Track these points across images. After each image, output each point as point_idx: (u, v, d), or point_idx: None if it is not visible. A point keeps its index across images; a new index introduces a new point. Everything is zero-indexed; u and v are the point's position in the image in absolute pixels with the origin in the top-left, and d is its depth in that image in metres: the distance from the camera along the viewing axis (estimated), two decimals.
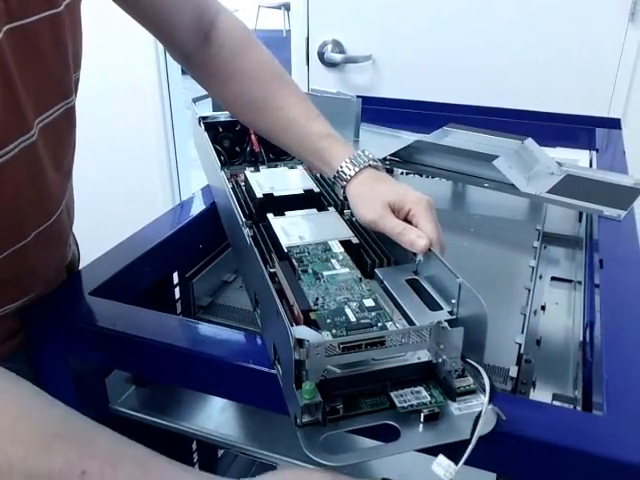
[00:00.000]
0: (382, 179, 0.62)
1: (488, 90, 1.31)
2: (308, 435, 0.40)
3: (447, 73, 1.40)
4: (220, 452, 0.91)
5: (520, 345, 0.61)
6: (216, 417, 0.65)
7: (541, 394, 0.61)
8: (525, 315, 0.67)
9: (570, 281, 0.81)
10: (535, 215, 0.94)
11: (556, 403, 0.58)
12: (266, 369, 0.47)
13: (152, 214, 0.77)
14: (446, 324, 0.41)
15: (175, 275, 0.73)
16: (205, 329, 0.56)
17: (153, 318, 0.57)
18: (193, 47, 0.68)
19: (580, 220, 0.93)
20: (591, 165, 1.02)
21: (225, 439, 0.61)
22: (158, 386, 0.67)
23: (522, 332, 0.64)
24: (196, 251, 0.75)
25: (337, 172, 0.62)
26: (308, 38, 1.54)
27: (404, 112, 1.20)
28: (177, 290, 0.73)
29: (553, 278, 0.83)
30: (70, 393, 0.59)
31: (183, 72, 1.96)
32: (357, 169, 0.61)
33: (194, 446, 0.85)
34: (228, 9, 0.72)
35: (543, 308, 0.76)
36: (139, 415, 0.64)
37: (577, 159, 1.02)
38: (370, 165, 0.63)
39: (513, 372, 0.59)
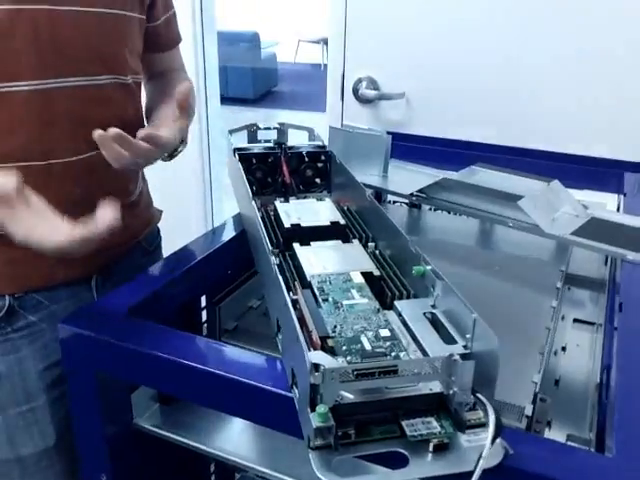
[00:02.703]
0: None
1: (518, 131, 1.32)
2: (320, 458, 0.41)
3: (478, 113, 1.42)
4: (237, 476, 0.93)
5: (536, 384, 0.62)
6: (235, 439, 0.67)
7: (556, 434, 0.61)
8: (543, 354, 0.68)
9: (593, 324, 0.81)
10: (560, 256, 0.94)
11: (570, 444, 0.58)
12: (284, 392, 0.49)
13: (185, 239, 0.81)
14: (458, 357, 0.42)
15: (203, 298, 0.76)
16: (228, 351, 0.59)
17: (180, 339, 0.59)
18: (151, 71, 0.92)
19: (606, 264, 0.93)
20: (619, 209, 1.03)
21: (241, 461, 0.63)
22: (181, 405, 0.69)
23: (539, 371, 0.64)
24: (224, 276, 0.78)
25: None
26: (343, 74, 1.58)
27: (434, 150, 1.22)
28: (204, 313, 0.76)
29: (575, 320, 0.83)
30: (96, 406, 0.62)
31: (224, 101, 2.03)
32: None
33: (212, 468, 0.87)
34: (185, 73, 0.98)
35: (564, 349, 0.76)
36: (161, 432, 0.66)
37: (605, 202, 1.03)
38: None
39: (528, 410, 0.60)
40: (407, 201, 1.14)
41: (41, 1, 0.65)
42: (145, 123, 0.85)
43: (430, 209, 1.14)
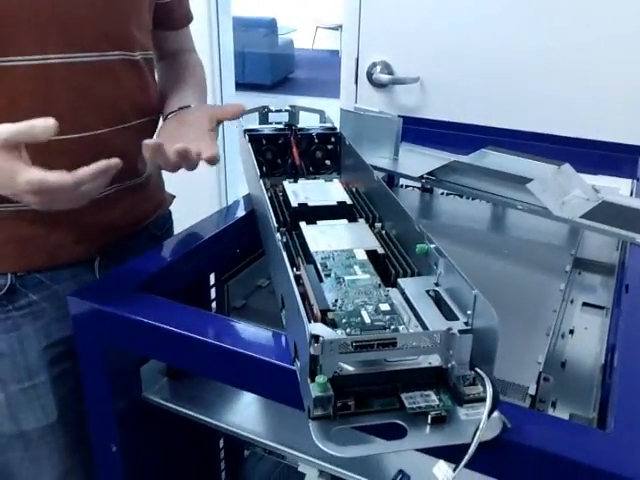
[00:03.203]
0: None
1: (532, 115, 1.31)
2: (319, 427, 0.42)
3: (491, 96, 1.41)
4: (246, 452, 0.94)
5: (540, 364, 0.62)
6: (243, 413, 0.68)
7: (559, 413, 0.61)
8: (549, 336, 0.68)
9: (602, 308, 0.81)
10: (571, 241, 0.94)
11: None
12: (287, 365, 0.50)
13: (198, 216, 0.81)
14: (456, 330, 0.43)
15: (212, 276, 0.77)
16: (236, 326, 0.60)
17: (186, 312, 0.60)
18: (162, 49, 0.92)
19: (618, 248, 0.93)
20: (632, 194, 1.02)
21: (250, 435, 0.64)
22: (190, 380, 0.70)
23: (545, 352, 0.65)
24: (233, 255, 0.79)
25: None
26: (358, 59, 1.58)
27: (446, 133, 1.22)
28: (213, 291, 0.77)
29: (585, 304, 0.83)
30: (106, 379, 0.63)
31: (241, 87, 2.03)
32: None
33: (221, 443, 0.88)
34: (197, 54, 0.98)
35: (572, 332, 0.76)
36: (169, 405, 0.67)
37: (618, 187, 1.02)
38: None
39: (532, 390, 0.60)
40: (419, 185, 1.14)
41: None
42: (155, 104, 0.85)
43: (442, 193, 1.14)
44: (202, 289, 0.76)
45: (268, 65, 6.07)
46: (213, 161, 0.68)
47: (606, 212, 0.80)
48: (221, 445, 0.88)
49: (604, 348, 0.71)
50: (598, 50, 1.29)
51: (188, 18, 0.93)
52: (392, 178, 1.16)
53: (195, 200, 1.93)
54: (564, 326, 0.76)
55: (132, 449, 0.67)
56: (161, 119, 0.84)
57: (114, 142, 0.73)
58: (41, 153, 0.65)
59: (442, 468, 0.39)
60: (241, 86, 2.05)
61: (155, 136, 0.79)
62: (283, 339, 0.55)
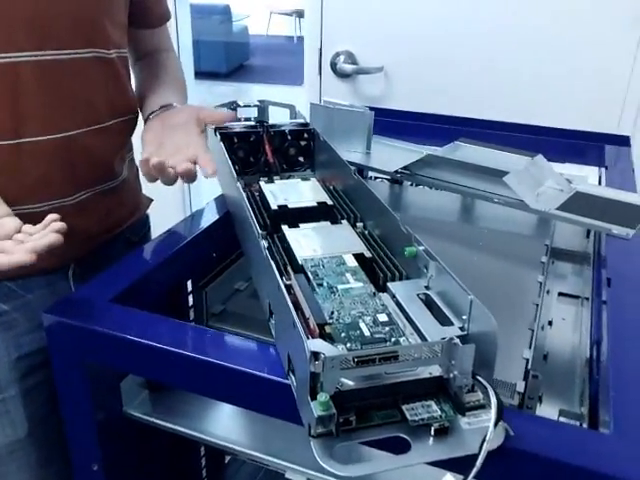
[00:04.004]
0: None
1: (498, 104, 1.32)
2: (322, 445, 0.41)
3: (457, 86, 1.42)
4: (227, 458, 0.93)
5: (527, 360, 0.62)
6: (225, 423, 0.66)
7: (547, 409, 0.62)
8: (533, 330, 0.68)
9: (577, 297, 0.82)
10: (544, 230, 0.95)
11: (562, 419, 0.59)
12: (280, 379, 0.48)
13: (164, 219, 0.79)
14: (458, 341, 0.42)
15: (189, 283, 0.74)
16: (219, 337, 0.58)
17: (168, 325, 0.58)
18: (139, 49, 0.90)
19: (588, 236, 0.94)
20: (600, 182, 1.03)
21: (232, 446, 0.63)
22: (171, 391, 0.68)
23: (529, 347, 0.65)
24: (209, 259, 0.77)
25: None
26: (321, 49, 1.56)
27: (413, 124, 1.21)
28: (190, 297, 0.75)
29: (560, 294, 0.84)
30: (86, 395, 0.61)
31: (196, 76, 1.98)
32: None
33: (202, 451, 0.86)
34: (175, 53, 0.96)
35: (550, 323, 0.77)
36: (150, 419, 0.65)
37: (586, 175, 1.03)
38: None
39: (520, 387, 0.60)
40: (388, 177, 1.13)
41: None
42: (132, 104, 0.81)
43: (411, 184, 1.13)
44: (179, 296, 0.73)
45: (223, 53, 5.97)
46: (210, 174, 0.67)
47: (580, 203, 0.81)
48: (202, 452, 0.86)
49: (584, 339, 0.72)
50: (563, 39, 1.30)
51: (166, 16, 0.90)
52: (362, 170, 1.14)
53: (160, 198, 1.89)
54: (543, 318, 0.77)
55: (114, 466, 0.65)
56: (141, 120, 0.81)
57: (89, 143, 0.70)
58: (12, 156, 0.62)
59: None
60: (197, 74, 2.01)
61: (141, 139, 0.76)
62: (272, 350, 0.53)
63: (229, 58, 6.10)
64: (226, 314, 0.75)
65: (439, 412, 0.43)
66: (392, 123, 1.22)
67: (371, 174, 1.16)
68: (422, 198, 1.11)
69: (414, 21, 1.43)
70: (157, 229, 0.85)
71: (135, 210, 0.87)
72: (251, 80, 6.04)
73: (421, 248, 0.54)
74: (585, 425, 0.55)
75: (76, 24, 0.69)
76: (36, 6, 0.64)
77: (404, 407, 0.43)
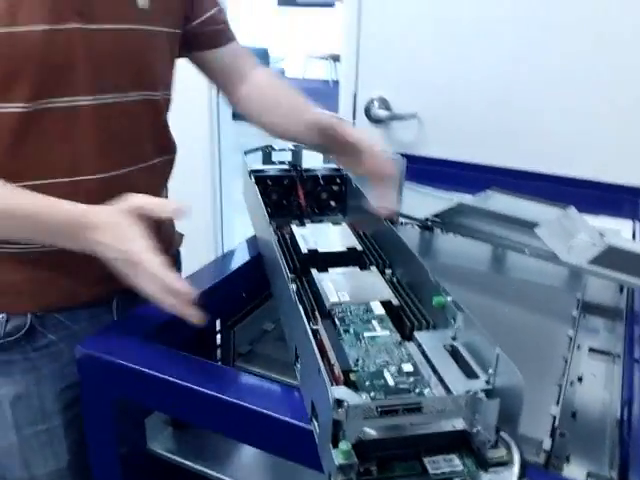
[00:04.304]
0: None
1: (531, 154, 1.32)
2: None
3: (490, 134, 1.42)
4: None
5: (555, 417, 0.61)
6: (248, 466, 0.66)
7: (575, 470, 0.60)
8: (561, 386, 0.67)
9: (609, 354, 0.81)
10: (575, 283, 0.93)
11: None
12: (303, 424, 0.49)
13: (195, 255, 0.80)
14: (483, 395, 0.42)
15: (217, 322, 0.75)
16: (243, 378, 0.58)
17: (194, 364, 0.59)
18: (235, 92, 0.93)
19: (622, 291, 0.93)
20: (634, 236, 1.02)
21: None
22: (195, 429, 0.68)
23: (557, 404, 0.64)
24: (239, 299, 0.78)
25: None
26: (356, 94, 1.59)
27: (444, 171, 1.23)
28: (218, 336, 0.76)
29: (591, 349, 0.82)
30: (112, 428, 0.62)
31: (234, 117, 2.04)
32: None
33: None
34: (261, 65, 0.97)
35: (580, 379, 0.75)
36: (173, 457, 0.66)
37: (619, 229, 1.02)
38: None
39: (546, 445, 0.59)
40: (419, 223, 1.13)
41: (74, 21, 0.65)
42: (172, 143, 0.85)
43: (442, 231, 1.13)
44: (208, 335, 0.74)
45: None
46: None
47: (613, 257, 0.80)
48: None
49: (615, 397, 0.71)
50: (599, 90, 1.30)
51: (231, 33, 0.92)
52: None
53: (192, 233, 1.93)
54: (572, 373, 0.76)
55: None
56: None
57: (134, 182, 0.73)
58: (69, 194, 0.65)
59: None
60: (234, 116, 2.07)
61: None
62: (296, 394, 0.53)
63: None
64: (253, 355, 0.75)
65: (461, 467, 0.43)
66: (423, 170, 1.24)
67: (402, 220, 1.17)
68: (452, 246, 1.11)
69: (448, 69, 1.45)
70: (189, 264, 0.87)
71: (169, 246, 0.90)
72: None
73: (449, 299, 0.54)
74: None
75: (131, 68, 0.72)
76: (99, 55, 0.68)
77: (426, 460, 0.43)
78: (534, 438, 0.60)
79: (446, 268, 1.00)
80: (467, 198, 0.96)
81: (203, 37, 0.86)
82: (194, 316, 0.57)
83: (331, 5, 6.39)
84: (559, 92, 1.34)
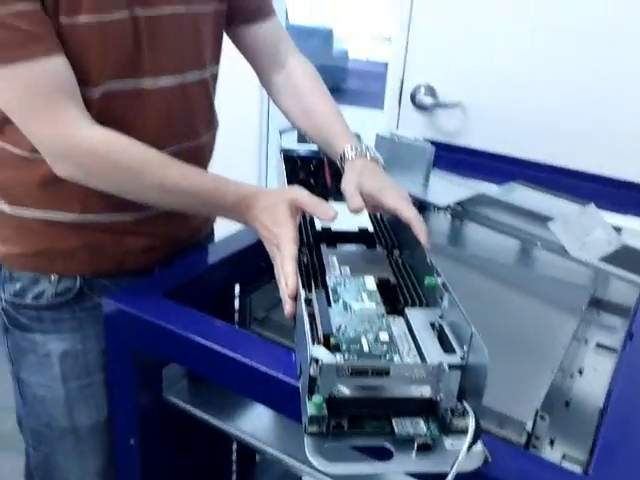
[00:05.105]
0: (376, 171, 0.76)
1: (566, 149, 1.31)
2: (313, 442, 0.46)
3: (529, 128, 1.42)
4: (258, 457, 0.98)
5: (539, 401, 0.64)
6: (255, 420, 0.72)
7: (555, 453, 0.63)
8: (553, 374, 0.69)
9: (614, 350, 0.82)
10: (594, 279, 0.94)
11: (565, 463, 0.60)
12: (292, 381, 0.54)
13: (226, 227, 0.85)
14: (446, 366, 0.46)
15: (237, 287, 0.81)
16: (251, 340, 0.64)
17: (210, 324, 0.65)
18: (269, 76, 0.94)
19: None
20: None
21: (260, 444, 0.68)
22: (208, 383, 0.74)
23: (547, 390, 0.66)
24: (259, 269, 0.83)
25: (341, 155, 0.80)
26: (403, 80, 1.61)
27: (479, 163, 1.24)
28: (237, 301, 0.81)
29: (598, 345, 0.83)
30: (130, 378, 0.68)
31: None
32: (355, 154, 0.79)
33: (234, 446, 0.92)
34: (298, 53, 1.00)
35: (580, 372, 0.77)
36: (187, 407, 0.72)
37: None
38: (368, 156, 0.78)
39: (528, 426, 0.62)
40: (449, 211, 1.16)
41: (140, 5, 0.69)
42: (215, 118, 0.88)
43: (461, 220, 1.15)
44: (227, 299, 0.80)
45: (320, 75, 6.14)
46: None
47: (625, 256, 0.81)
48: (234, 448, 0.92)
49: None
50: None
51: (270, 9, 0.91)
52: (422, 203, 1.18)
53: None
54: (574, 365, 0.78)
55: (149, 444, 0.72)
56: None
57: (187, 158, 0.75)
58: None
59: None
60: None
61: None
62: (293, 356, 0.59)
63: (325, 80, 6.26)
64: (267, 321, 0.81)
65: (425, 429, 0.47)
66: (459, 159, 1.25)
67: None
68: (480, 236, 1.13)
69: (497, 60, 1.45)
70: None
71: (207, 220, 0.94)
72: (343, 102, 6.16)
73: (439, 280, 0.58)
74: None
75: (186, 50, 0.76)
76: (159, 36, 0.72)
77: (394, 420, 0.47)
78: (520, 420, 0.63)
79: (468, 257, 1.02)
80: (491, 189, 0.98)
81: (242, 11, 0.85)
82: (287, 309, 0.60)
83: None
84: (603, 93, 1.32)
